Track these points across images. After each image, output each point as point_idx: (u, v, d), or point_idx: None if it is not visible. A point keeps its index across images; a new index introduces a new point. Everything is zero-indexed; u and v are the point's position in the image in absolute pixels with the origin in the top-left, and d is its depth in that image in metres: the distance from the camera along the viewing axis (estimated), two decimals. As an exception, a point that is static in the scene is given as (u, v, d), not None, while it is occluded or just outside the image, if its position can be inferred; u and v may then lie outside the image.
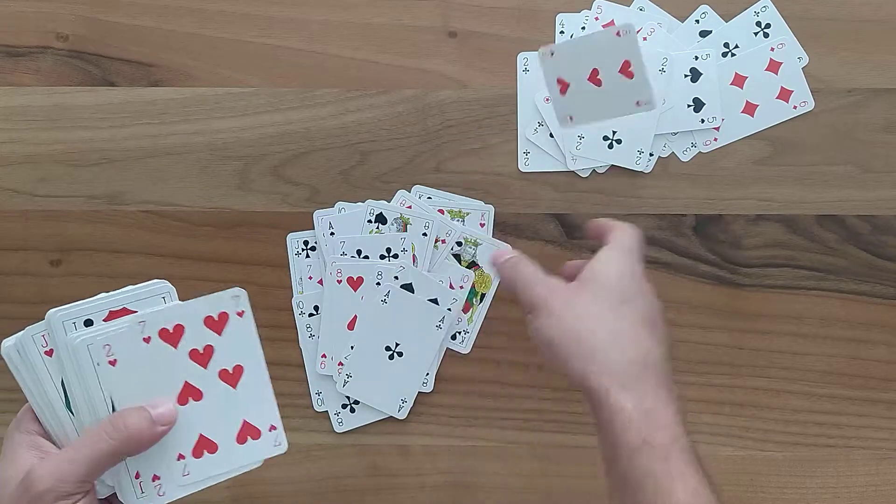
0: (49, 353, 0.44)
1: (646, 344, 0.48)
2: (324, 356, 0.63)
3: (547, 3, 0.64)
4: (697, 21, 0.64)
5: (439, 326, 0.62)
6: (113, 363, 0.44)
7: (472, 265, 0.64)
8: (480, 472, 0.64)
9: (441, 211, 0.64)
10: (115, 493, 0.45)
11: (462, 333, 0.64)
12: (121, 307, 0.45)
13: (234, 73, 0.65)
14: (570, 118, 0.58)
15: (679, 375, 0.64)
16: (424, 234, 0.63)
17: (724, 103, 0.64)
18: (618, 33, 0.54)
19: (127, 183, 0.65)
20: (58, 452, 0.43)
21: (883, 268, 0.64)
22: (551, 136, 0.64)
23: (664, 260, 0.64)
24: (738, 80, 0.64)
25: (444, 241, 0.64)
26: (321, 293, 0.63)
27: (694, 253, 0.64)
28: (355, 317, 0.63)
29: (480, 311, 0.64)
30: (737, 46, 0.64)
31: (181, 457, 0.45)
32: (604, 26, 0.64)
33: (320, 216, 0.64)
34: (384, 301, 0.62)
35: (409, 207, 0.64)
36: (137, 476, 0.45)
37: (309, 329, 0.64)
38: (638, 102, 0.55)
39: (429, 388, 0.64)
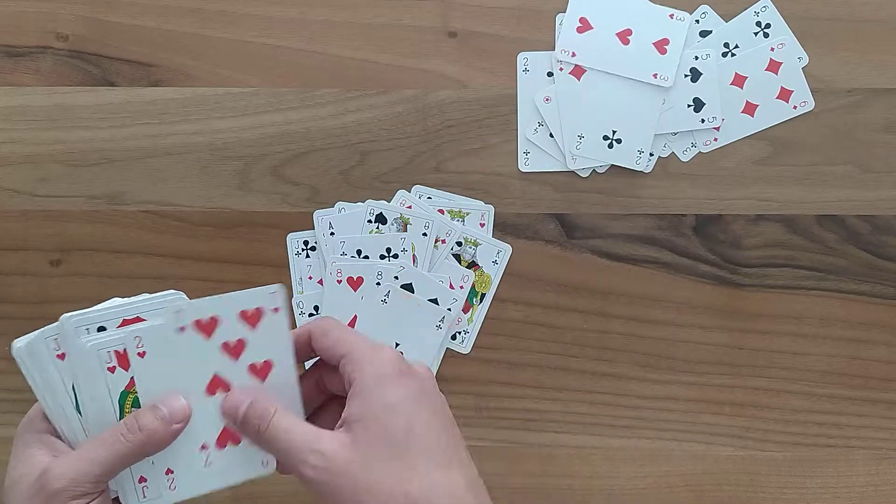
0: (61, 356, 0.44)
1: (447, 491, 0.40)
2: (324, 356, 0.63)
3: (547, 3, 0.64)
4: (697, 21, 0.64)
5: (439, 326, 0.63)
6: (142, 355, 0.43)
7: (472, 265, 0.64)
8: (480, 471, 0.64)
9: (441, 211, 0.64)
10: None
11: (462, 333, 0.64)
12: (134, 316, 0.45)
13: (234, 73, 0.65)
14: None
15: (679, 375, 0.64)
16: (424, 234, 0.63)
17: (724, 103, 0.64)
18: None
19: (127, 183, 0.65)
20: (74, 452, 0.43)
21: (883, 268, 0.64)
22: (551, 136, 0.64)
23: (664, 260, 0.64)
24: (738, 80, 0.64)
25: (444, 241, 0.64)
26: (321, 293, 0.63)
27: (694, 253, 0.64)
28: (355, 317, 0.63)
29: (480, 311, 0.64)
30: (737, 46, 0.64)
31: (205, 447, 0.45)
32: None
33: (320, 216, 0.64)
34: (384, 301, 0.62)
35: (409, 207, 0.64)
36: (141, 480, 0.45)
37: (309, 329, 0.64)
38: None
39: (429, 388, 0.64)
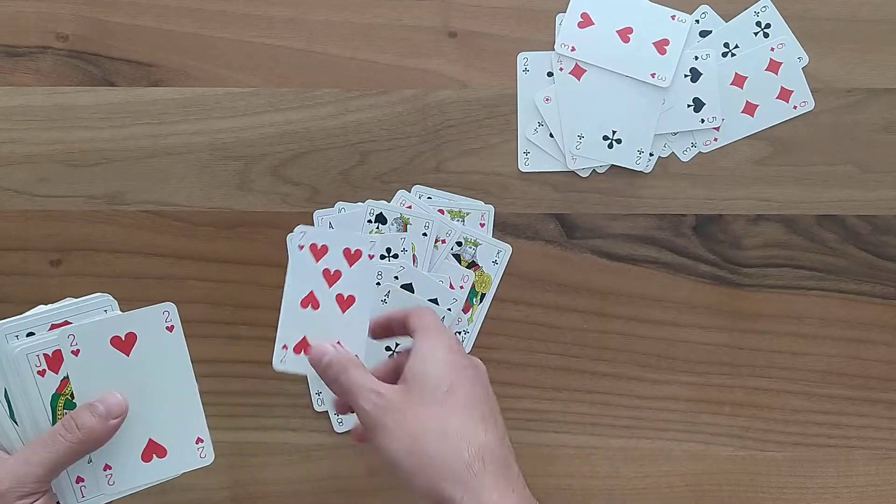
0: None
1: (479, 438, 0.46)
2: (324, 356, 0.63)
3: (547, 3, 0.64)
4: (697, 21, 0.64)
5: (439, 326, 0.63)
6: (76, 353, 0.46)
7: (472, 265, 0.64)
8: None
9: (441, 211, 0.64)
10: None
11: (462, 333, 0.64)
12: (63, 320, 0.47)
13: (234, 73, 0.65)
14: None
15: (679, 375, 0.64)
16: (424, 234, 0.63)
17: (724, 103, 0.64)
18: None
19: (127, 183, 0.65)
20: (16, 455, 0.45)
21: (883, 268, 0.64)
22: (551, 136, 0.64)
23: (664, 260, 0.64)
24: (738, 80, 0.64)
25: (444, 241, 0.64)
26: (321, 293, 0.64)
27: (694, 253, 0.64)
28: (355, 317, 0.63)
29: (480, 311, 0.64)
30: (737, 46, 0.64)
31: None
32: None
33: (320, 216, 0.64)
34: (384, 301, 0.62)
35: (409, 207, 0.64)
36: (79, 481, 0.47)
37: (309, 329, 0.64)
38: None
39: (429, 388, 0.64)
